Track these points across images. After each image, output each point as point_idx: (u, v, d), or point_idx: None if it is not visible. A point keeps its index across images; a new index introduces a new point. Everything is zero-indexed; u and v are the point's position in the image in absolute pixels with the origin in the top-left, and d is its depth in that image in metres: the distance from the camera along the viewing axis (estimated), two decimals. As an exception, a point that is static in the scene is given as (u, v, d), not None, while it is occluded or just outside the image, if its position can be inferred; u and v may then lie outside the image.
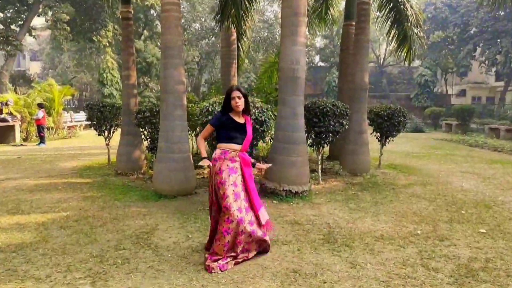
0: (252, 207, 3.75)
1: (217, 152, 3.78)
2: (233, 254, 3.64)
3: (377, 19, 10.79)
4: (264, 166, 4.15)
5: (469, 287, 3.27)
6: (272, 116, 6.43)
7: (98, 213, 5.31)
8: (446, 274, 3.50)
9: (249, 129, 3.85)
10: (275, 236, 4.36)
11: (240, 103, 3.71)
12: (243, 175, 3.73)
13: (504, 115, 22.82)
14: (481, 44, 26.82)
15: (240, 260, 3.68)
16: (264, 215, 3.83)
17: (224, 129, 3.77)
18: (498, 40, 25.45)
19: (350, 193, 6.71)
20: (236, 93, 3.71)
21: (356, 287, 3.25)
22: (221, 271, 3.49)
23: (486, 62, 26.98)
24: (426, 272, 3.54)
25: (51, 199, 6.09)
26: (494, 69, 28.33)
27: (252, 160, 3.91)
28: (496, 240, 4.42)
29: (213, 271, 3.48)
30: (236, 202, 3.61)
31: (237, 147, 3.74)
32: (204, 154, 3.77)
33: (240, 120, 3.80)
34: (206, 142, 3.96)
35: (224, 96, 3.89)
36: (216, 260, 3.57)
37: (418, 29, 9.96)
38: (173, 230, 4.66)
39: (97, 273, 3.47)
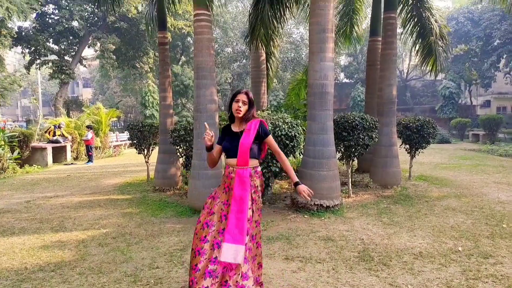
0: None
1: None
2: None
3: (401, 34, 10.32)
4: (305, 190, 2.87)
5: (527, 314, 2.76)
6: (302, 131, 6.08)
7: (135, 230, 5.10)
8: (498, 299, 3.00)
9: (246, 136, 2.85)
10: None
11: (243, 109, 2.87)
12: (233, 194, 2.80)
13: (532, 124, 21.31)
14: (505, 55, 25.39)
15: None
16: (225, 252, 2.68)
17: (223, 143, 2.99)
18: (523, 51, 24.03)
19: (382, 206, 6.20)
20: (241, 96, 2.89)
21: (399, 313, 2.81)
22: None
23: (511, 72, 25.47)
24: (474, 296, 3.05)
25: (93, 215, 5.96)
26: (518, 79, 26.73)
27: (296, 179, 2.95)
28: (547, 258, 3.83)
29: None
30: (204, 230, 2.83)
31: (232, 161, 2.88)
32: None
33: (238, 128, 2.94)
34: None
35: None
36: None
37: (443, 42, 9.41)
38: (206, 247, 4.36)
39: (130, 294, 3.21)
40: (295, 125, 5.73)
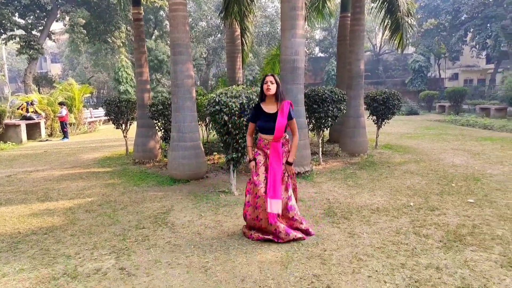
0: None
1: (257, 137, 3.91)
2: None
3: (371, 9, 10.69)
4: (292, 170, 3.83)
5: (457, 249, 3.34)
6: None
7: (119, 198, 5.45)
8: (436, 240, 3.58)
9: (280, 117, 3.64)
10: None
11: (272, 88, 3.64)
12: (269, 163, 3.69)
13: (494, 95, 22.52)
14: (471, 29, 26.31)
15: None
16: (271, 205, 3.61)
17: (258, 121, 3.75)
18: (488, 25, 24.95)
19: (349, 172, 6.77)
20: (269, 78, 3.69)
21: (354, 253, 3.34)
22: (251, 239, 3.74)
23: (477, 46, 26.48)
24: (417, 238, 3.62)
25: (76, 187, 6.24)
26: (484, 53, 27.83)
27: (286, 157, 3.76)
28: (483, 209, 4.47)
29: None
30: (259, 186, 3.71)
31: (268, 137, 3.70)
32: (250, 156, 3.82)
33: (271, 109, 3.70)
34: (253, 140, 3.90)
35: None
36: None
37: (410, 18, 9.86)
38: (187, 210, 4.78)
39: (120, 249, 3.60)
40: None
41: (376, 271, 2.99)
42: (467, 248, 3.37)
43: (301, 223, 3.80)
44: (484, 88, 27.40)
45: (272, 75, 3.73)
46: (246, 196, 3.87)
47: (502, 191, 5.22)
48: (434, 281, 2.81)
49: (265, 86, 3.68)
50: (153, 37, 29.52)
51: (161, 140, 8.05)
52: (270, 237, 3.66)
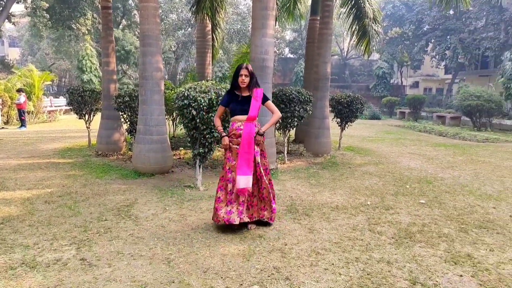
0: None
1: (230, 126, 4.01)
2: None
3: (340, 14, 11.03)
4: (258, 138, 3.89)
5: (407, 246, 3.59)
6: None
7: (80, 189, 5.34)
8: (389, 236, 3.82)
9: (254, 99, 3.85)
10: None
11: (246, 80, 3.81)
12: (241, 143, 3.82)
13: (450, 104, 23.85)
14: (432, 40, 27.68)
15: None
16: (239, 181, 3.76)
17: (232, 104, 3.90)
18: (448, 37, 26.36)
19: (312, 171, 7.00)
20: (243, 71, 3.81)
21: (312, 247, 3.50)
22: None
23: (437, 56, 27.90)
24: (372, 235, 3.84)
25: (35, 177, 6.04)
26: (443, 63, 29.35)
27: (257, 129, 3.92)
28: (432, 209, 4.80)
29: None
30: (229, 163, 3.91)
31: (242, 117, 3.84)
32: (221, 131, 3.97)
33: (245, 93, 3.90)
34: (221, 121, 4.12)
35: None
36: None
37: (376, 25, 10.27)
38: (152, 203, 4.78)
39: (81, 241, 3.56)
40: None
41: (332, 264, 3.17)
42: (416, 245, 3.62)
43: (267, 208, 4.00)
44: (442, 97, 28.95)
45: (247, 67, 3.84)
46: (217, 192, 3.90)
47: (450, 193, 5.61)
48: (384, 273, 3.02)
49: (239, 79, 3.82)
50: (121, 26, 28.73)
51: (126, 133, 7.92)
52: (236, 218, 3.75)
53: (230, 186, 3.85)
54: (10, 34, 42.16)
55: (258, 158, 3.90)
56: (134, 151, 6.53)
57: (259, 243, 3.58)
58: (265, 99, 3.99)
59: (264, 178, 3.94)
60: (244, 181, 3.78)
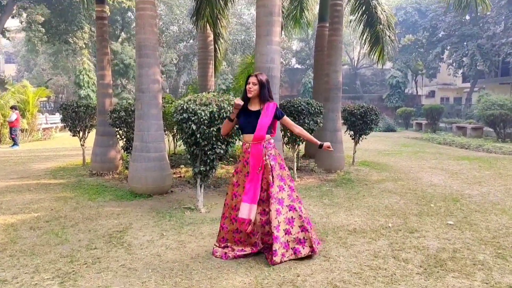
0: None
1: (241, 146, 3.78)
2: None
3: (350, 22, 10.91)
4: (328, 145, 3.84)
5: (438, 276, 3.29)
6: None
7: (70, 214, 5.12)
8: (416, 265, 3.51)
9: (264, 115, 3.54)
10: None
11: (253, 89, 3.53)
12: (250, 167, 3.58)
13: (470, 114, 23.48)
14: (448, 47, 27.53)
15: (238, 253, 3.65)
16: (241, 211, 3.51)
17: (241, 117, 3.65)
18: (465, 43, 26.20)
19: (325, 189, 6.72)
20: (252, 79, 3.58)
21: (329, 279, 3.21)
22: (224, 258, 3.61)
23: (454, 64, 27.69)
24: (396, 263, 3.54)
25: (22, 200, 5.84)
26: (460, 71, 29.12)
27: (319, 142, 3.81)
28: (463, 231, 4.48)
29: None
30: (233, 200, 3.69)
31: (248, 137, 3.59)
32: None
33: (254, 107, 3.61)
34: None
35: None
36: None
37: (390, 31, 10.12)
38: (147, 228, 4.53)
39: (66, 273, 3.31)
40: (241, 108, 5.99)
41: (353, 299, 2.88)
42: (448, 274, 3.32)
43: (301, 244, 3.58)
44: (460, 106, 28.58)
45: (256, 75, 3.61)
46: (226, 194, 3.80)
47: (481, 212, 5.29)
48: (415, 311, 2.72)
49: (247, 87, 3.58)
50: (120, 39, 29.04)
51: (123, 150, 7.74)
52: (248, 250, 3.61)
53: (236, 224, 3.62)
54: (6, 50, 42.97)
55: (274, 176, 3.58)
56: (130, 170, 6.32)
57: (268, 274, 3.30)
58: (279, 115, 3.67)
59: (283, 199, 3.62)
60: (247, 210, 3.50)
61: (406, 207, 5.53)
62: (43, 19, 20.10)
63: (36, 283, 3.14)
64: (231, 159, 9.27)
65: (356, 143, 9.37)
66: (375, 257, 3.69)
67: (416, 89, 35.20)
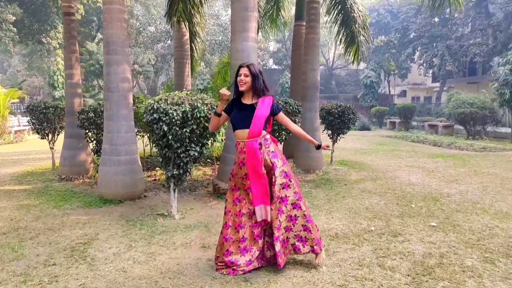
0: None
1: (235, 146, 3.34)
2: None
3: (326, 23, 10.64)
4: (326, 145, 3.56)
5: (427, 286, 2.98)
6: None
7: (31, 224, 4.59)
8: (403, 273, 3.20)
9: (260, 109, 3.15)
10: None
11: (246, 81, 3.13)
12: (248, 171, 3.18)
13: (440, 112, 23.76)
14: (419, 48, 27.78)
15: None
16: (258, 213, 3.18)
17: (233, 112, 3.25)
18: (434, 44, 26.50)
19: (304, 190, 6.38)
20: (243, 70, 3.16)
21: (312, 294, 2.86)
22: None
23: (424, 64, 27.96)
24: (383, 272, 3.22)
25: (-20, 209, 5.26)
26: (431, 71, 29.46)
27: (317, 142, 3.46)
28: (447, 234, 4.22)
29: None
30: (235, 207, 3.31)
31: (242, 133, 3.16)
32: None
33: (248, 101, 3.22)
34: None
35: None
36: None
37: (365, 31, 9.89)
38: (114, 239, 4.07)
39: (16, 297, 2.84)
40: (215, 107, 5.57)
41: (339, 318, 2.53)
42: (438, 284, 3.02)
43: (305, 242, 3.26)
44: (431, 105, 28.96)
45: (248, 66, 3.18)
46: (226, 201, 3.37)
47: (462, 212, 5.07)
48: (407, 330, 2.39)
49: (238, 80, 3.17)
50: (96, 40, 28.02)
51: (93, 153, 7.20)
52: (257, 264, 3.24)
53: (242, 231, 3.23)
54: (-22, 50, 40.94)
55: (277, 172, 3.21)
56: (99, 175, 5.80)
57: (245, 291, 2.92)
58: (275, 110, 3.27)
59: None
60: (262, 212, 3.18)
61: (387, 208, 5.26)
62: (14, 18, 19.04)
63: (-22, 311, 2.66)
64: (209, 161, 8.84)
65: (334, 142, 9.10)
66: (360, 266, 3.36)
67: (389, 89, 35.50)
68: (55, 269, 3.33)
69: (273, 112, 3.25)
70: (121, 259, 3.54)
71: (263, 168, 3.16)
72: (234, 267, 3.17)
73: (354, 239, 4.05)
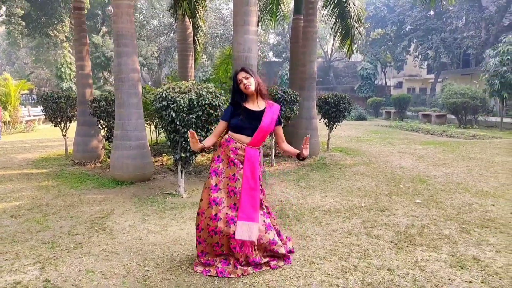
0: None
1: (223, 137, 3.03)
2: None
3: (323, 16, 10.83)
4: (306, 150, 2.98)
5: (407, 250, 3.30)
6: (225, 101, 6.23)
7: (52, 201, 4.91)
8: (387, 240, 3.53)
9: (266, 118, 2.89)
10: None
11: (249, 83, 2.88)
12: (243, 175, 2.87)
13: (434, 103, 23.97)
14: (415, 40, 27.86)
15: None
16: (241, 230, 2.77)
17: (234, 118, 2.92)
18: (429, 37, 26.57)
19: (301, 173, 6.70)
20: (241, 74, 2.90)
21: (306, 256, 3.18)
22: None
23: (419, 56, 28.07)
24: (369, 239, 3.54)
25: (4, 189, 5.57)
26: (426, 63, 29.57)
27: (297, 152, 3.03)
28: (430, 209, 4.54)
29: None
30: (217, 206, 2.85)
31: (244, 138, 2.88)
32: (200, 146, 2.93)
33: (256, 107, 2.94)
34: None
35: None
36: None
37: (359, 25, 10.09)
38: (129, 214, 4.39)
39: (47, 259, 3.16)
40: (219, 95, 5.85)
41: (329, 274, 2.85)
42: (417, 249, 3.34)
43: (282, 246, 3.04)
44: (426, 96, 29.13)
45: (242, 68, 2.95)
46: (200, 200, 2.96)
47: (446, 191, 5.38)
48: (387, 283, 2.71)
49: (241, 86, 2.89)
50: (101, 33, 28.12)
51: (104, 139, 7.49)
52: (230, 267, 2.85)
53: (216, 237, 2.83)
54: (-13, 44, 40.99)
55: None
56: (111, 158, 6.11)
57: (247, 254, 3.24)
58: (279, 122, 3.04)
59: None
60: (247, 230, 2.77)
61: (377, 188, 5.57)
62: (22, 12, 19.20)
63: (17, 269, 2.98)
64: (212, 147, 9.12)
65: (330, 130, 9.38)
66: (349, 235, 3.68)
67: (385, 80, 35.62)
68: (78, 237, 3.66)
69: (278, 123, 3.05)
70: (136, 229, 3.86)
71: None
72: (210, 269, 2.87)
73: (345, 213, 4.37)
